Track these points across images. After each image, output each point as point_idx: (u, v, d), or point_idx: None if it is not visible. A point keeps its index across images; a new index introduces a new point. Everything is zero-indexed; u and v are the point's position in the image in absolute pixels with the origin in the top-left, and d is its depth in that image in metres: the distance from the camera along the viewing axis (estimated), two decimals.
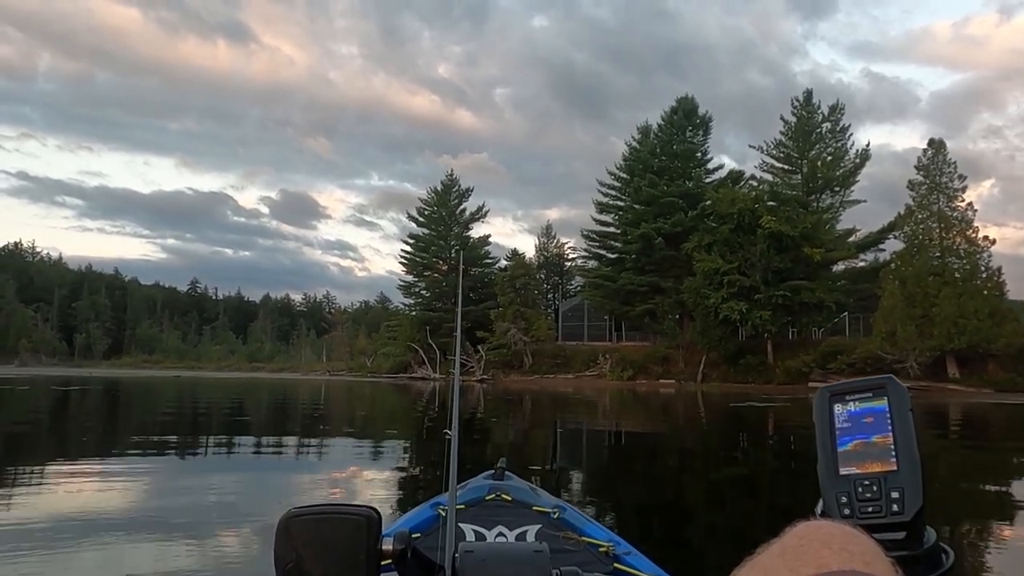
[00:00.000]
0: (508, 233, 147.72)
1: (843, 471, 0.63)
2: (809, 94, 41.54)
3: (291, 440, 10.31)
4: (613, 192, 45.75)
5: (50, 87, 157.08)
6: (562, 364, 42.97)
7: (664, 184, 41.76)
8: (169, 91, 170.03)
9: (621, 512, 5.27)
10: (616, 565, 1.73)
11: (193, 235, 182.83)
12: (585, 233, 47.60)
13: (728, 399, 23.19)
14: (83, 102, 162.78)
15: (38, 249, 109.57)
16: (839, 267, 39.58)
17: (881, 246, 39.48)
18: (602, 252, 47.10)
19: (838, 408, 0.66)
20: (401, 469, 7.41)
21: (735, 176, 43.69)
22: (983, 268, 31.35)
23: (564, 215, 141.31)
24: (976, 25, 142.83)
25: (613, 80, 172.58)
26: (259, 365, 76.99)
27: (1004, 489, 6.71)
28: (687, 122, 43.67)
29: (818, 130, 40.88)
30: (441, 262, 52.04)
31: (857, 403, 0.65)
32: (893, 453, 0.62)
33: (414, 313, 52.78)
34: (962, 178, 32.52)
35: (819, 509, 0.64)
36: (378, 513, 1.06)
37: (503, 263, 51.66)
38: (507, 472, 2.14)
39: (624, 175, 44.78)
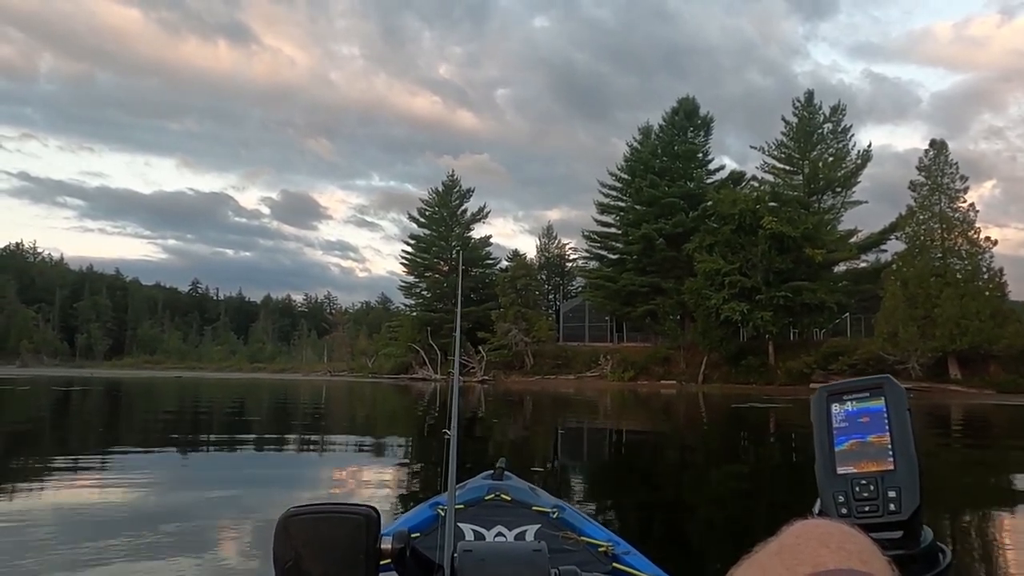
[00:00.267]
0: (509, 234, 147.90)
1: (840, 470, 0.64)
2: (810, 95, 41.56)
3: (292, 441, 10.32)
4: (614, 193, 45.76)
5: (51, 88, 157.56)
6: (563, 365, 42.97)
7: (665, 185, 41.75)
8: (170, 92, 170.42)
9: (621, 512, 5.27)
10: (615, 565, 1.73)
11: (194, 236, 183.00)
12: (586, 234, 47.68)
13: (729, 400, 23.18)
14: (84, 103, 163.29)
15: (39, 250, 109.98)
16: (840, 268, 39.56)
17: (883, 247, 39.51)
18: (603, 253, 47.10)
19: (836, 408, 0.66)
20: (401, 469, 7.41)
21: (736, 177, 43.69)
22: (985, 269, 31.31)
23: (565, 216, 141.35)
24: (977, 26, 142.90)
25: (614, 81, 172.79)
26: (260, 366, 77.05)
27: (1005, 491, 6.70)
28: (688, 123, 43.67)
29: (819, 131, 40.86)
30: (442, 263, 52.07)
31: (855, 403, 0.65)
32: (890, 453, 0.62)
33: (415, 314, 52.81)
34: (964, 179, 32.53)
35: (816, 508, 0.64)
36: (377, 512, 1.06)
37: (504, 264, 51.77)
38: (506, 472, 2.14)
39: (625, 176, 44.79)
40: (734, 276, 34.33)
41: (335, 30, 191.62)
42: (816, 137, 40.76)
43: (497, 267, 52.69)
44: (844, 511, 0.62)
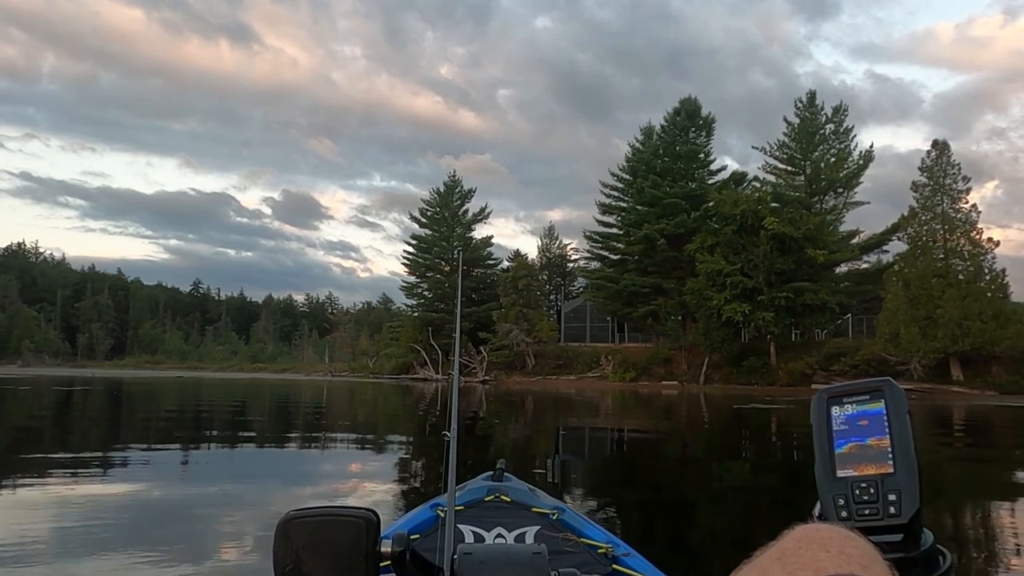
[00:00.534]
0: (511, 234, 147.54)
1: (840, 473, 0.63)
2: (812, 95, 41.50)
3: (292, 441, 10.33)
4: (616, 193, 45.73)
5: (54, 88, 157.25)
6: (564, 365, 42.95)
7: (667, 185, 41.72)
8: (172, 92, 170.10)
9: (622, 513, 5.26)
10: (615, 567, 1.73)
11: (196, 236, 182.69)
12: (588, 234, 47.62)
13: (731, 401, 23.17)
14: (86, 103, 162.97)
15: (41, 249, 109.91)
16: (842, 269, 39.50)
17: (884, 248, 39.42)
18: (605, 253, 47.06)
19: (835, 410, 0.66)
20: (401, 470, 7.41)
21: (738, 177, 43.64)
22: (987, 270, 31.24)
23: (567, 216, 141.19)
24: (980, 26, 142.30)
25: (616, 81, 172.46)
26: (261, 366, 77.08)
27: (1007, 493, 6.69)
28: (690, 123, 43.63)
29: (821, 131, 40.81)
30: (443, 263, 52.05)
31: (854, 405, 0.65)
32: (890, 456, 0.62)
33: (416, 314, 52.80)
34: (966, 180, 32.44)
35: (816, 511, 0.64)
36: (377, 515, 1.06)
37: (505, 264, 51.72)
38: (506, 473, 2.13)
39: (627, 176, 44.76)
40: (736, 277, 34.30)
41: (337, 30, 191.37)
42: (818, 138, 40.71)
43: (498, 267, 52.68)
44: (844, 514, 0.61)
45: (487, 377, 41.48)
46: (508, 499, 1.95)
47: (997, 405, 22.63)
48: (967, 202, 32.18)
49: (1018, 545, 4.37)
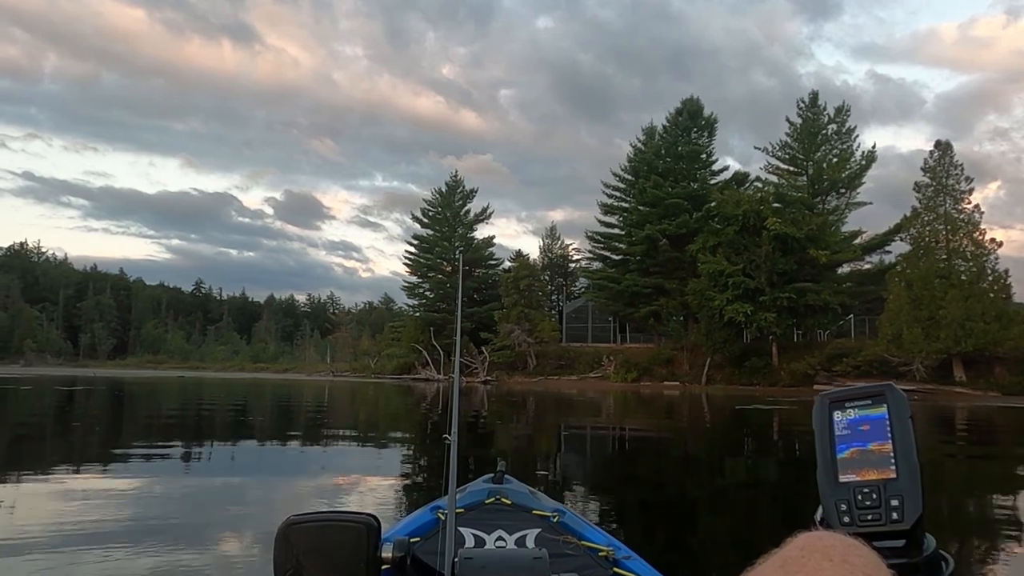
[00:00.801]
0: (512, 234, 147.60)
1: (842, 478, 0.63)
2: (815, 95, 41.46)
3: (294, 442, 10.33)
4: (618, 194, 45.72)
5: (56, 88, 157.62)
6: (566, 365, 42.93)
7: (669, 186, 41.70)
8: (174, 92, 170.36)
9: (623, 515, 5.25)
10: (615, 570, 1.72)
11: (198, 236, 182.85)
12: (589, 235, 47.59)
13: (733, 401, 23.14)
14: (89, 103, 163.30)
15: (43, 249, 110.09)
16: (844, 269, 39.43)
17: (887, 248, 39.32)
18: (606, 254, 47.05)
19: (837, 415, 0.66)
20: (402, 471, 7.40)
21: (740, 178, 43.59)
22: (990, 271, 31.17)
23: (568, 217, 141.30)
24: (982, 27, 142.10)
25: (618, 82, 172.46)
26: (263, 366, 77.15)
27: (1009, 494, 6.67)
28: (692, 124, 43.60)
29: (824, 132, 40.76)
30: (445, 263, 52.07)
31: (856, 410, 0.65)
32: (892, 461, 0.62)
33: (418, 314, 52.81)
34: (969, 180, 32.37)
35: (818, 516, 0.64)
36: (377, 521, 1.05)
37: (507, 264, 51.73)
38: (506, 476, 2.13)
39: (629, 177, 44.74)
40: (738, 277, 34.26)
41: (339, 30, 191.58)
42: (820, 138, 40.66)
43: (500, 268, 52.70)
44: (846, 519, 0.61)
45: (489, 377, 41.48)
46: (509, 502, 1.94)
47: (1000, 406, 22.58)
48: (970, 203, 32.13)
49: (1020, 544, 4.35)
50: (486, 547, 1.75)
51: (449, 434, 1.71)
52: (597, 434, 12.88)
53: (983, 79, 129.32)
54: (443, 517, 1.78)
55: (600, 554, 1.77)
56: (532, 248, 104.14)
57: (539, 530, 1.83)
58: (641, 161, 43.91)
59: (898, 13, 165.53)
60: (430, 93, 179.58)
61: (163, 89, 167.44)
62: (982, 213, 31.90)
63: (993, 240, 31.50)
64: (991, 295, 30.54)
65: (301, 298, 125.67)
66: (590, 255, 49.19)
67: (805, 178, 40.65)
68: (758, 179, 42.15)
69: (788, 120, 41.72)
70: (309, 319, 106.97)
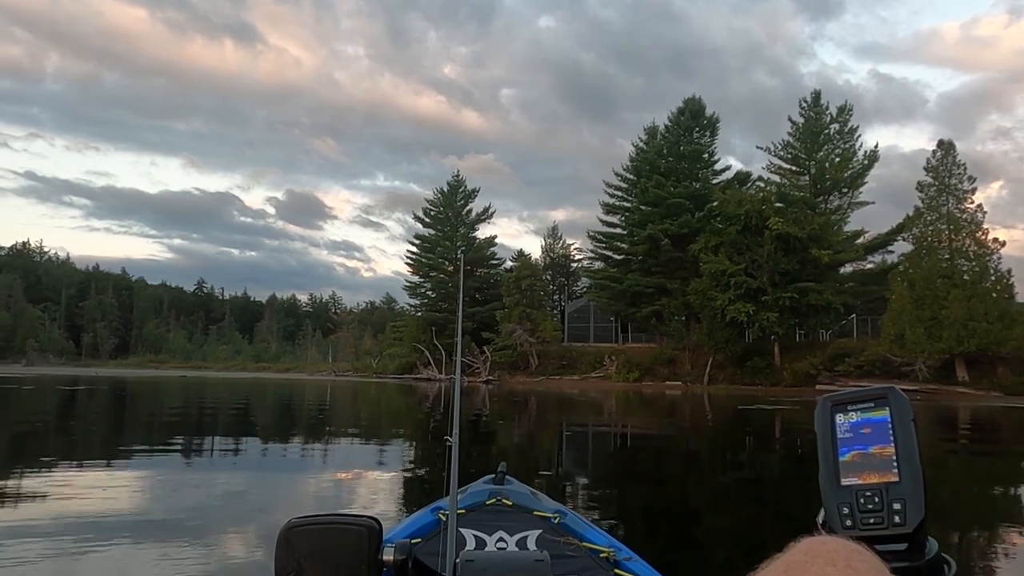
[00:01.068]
0: (514, 234, 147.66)
1: (845, 482, 0.63)
2: (817, 95, 41.38)
3: (295, 441, 10.34)
4: (620, 193, 45.70)
5: (58, 87, 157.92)
6: (568, 365, 42.92)
7: (671, 185, 41.66)
8: (176, 92, 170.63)
9: (625, 516, 5.25)
10: (617, 571, 1.72)
11: (200, 235, 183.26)
12: (591, 234, 47.56)
13: (735, 401, 23.12)
14: (91, 102, 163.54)
15: (46, 249, 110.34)
16: (847, 269, 39.37)
17: (889, 248, 39.24)
18: (608, 253, 47.02)
19: (840, 418, 0.66)
20: (403, 471, 7.40)
21: (742, 177, 43.55)
22: (992, 270, 31.09)
23: (570, 216, 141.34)
24: (985, 26, 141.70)
25: (620, 81, 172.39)
26: (265, 365, 77.23)
27: (1012, 496, 6.65)
28: (694, 123, 43.56)
29: (826, 131, 40.68)
30: (447, 263, 52.08)
31: (859, 413, 0.65)
32: (895, 464, 0.62)
33: (420, 314, 52.83)
34: (971, 180, 32.29)
35: (820, 519, 0.64)
36: (379, 523, 1.05)
37: (509, 264, 51.73)
38: (507, 476, 2.13)
39: (631, 176, 44.71)
40: (740, 277, 34.22)
41: (340, 30, 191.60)
42: (823, 137, 40.59)
43: (502, 267, 52.70)
44: (848, 523, 0.61)
45: (491, 377, 41.48)
46: (510, 503, 1.94)
47: (1003, 406, 22.54)
48: (972, 202, 32.06)
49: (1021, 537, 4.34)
50: (487, 548, 1.74)
51: (450, 435, 1.71)
52: (599, 434, 12.87)
53: (985, 79, 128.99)
54: (444, 518, 1.78)
55: (601, 555, 1.77)
56: (534, 248, 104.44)
57: (540, 531, 1.83)
58: (643, 161, 43.88)
59: (900, 12, 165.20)
60: (432, 93, 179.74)
61: (165, 89, 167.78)
62: (985, 213, 31.86)
63: (996, 240, 31.45)
64: (994, 295, 30.48)
65: (303, 298, 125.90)
66: (592, 255, 49.24)
67: (807, 178, 40.59)
68: (760, 179, 42.12)
69: (790, 120, 41.70)
70: (311, 319, 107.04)
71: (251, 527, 4.39)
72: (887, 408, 0.64)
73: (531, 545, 1.77)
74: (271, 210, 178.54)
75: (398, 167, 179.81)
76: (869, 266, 40.15)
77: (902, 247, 35.49)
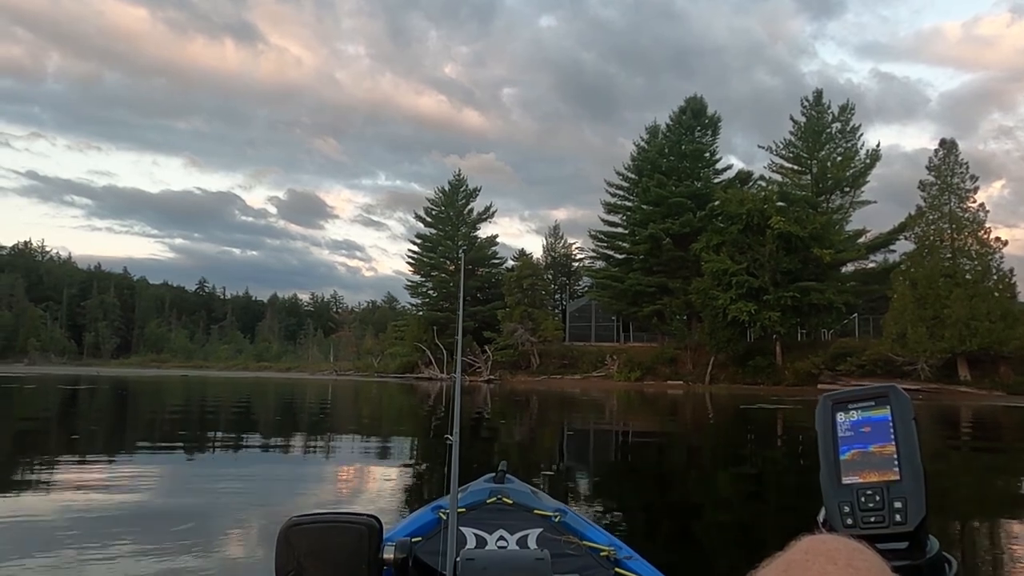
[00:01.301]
0: (515, 233, 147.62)
1: (845, 480, 0.63)
2: (819, 94, 41.33)
3: (296, 440, 10.34)
4: (621, 192, 45.67)
5: (59, 87, 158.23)
6: (569, 365, 42.91)
7: (672, 184, 41.63)
8: (177, 91, 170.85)
9: (626, 515, 5.24)
10: (617, 570, 1.72)
11: (201, 235, 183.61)
12: (593, 233, 47.52)
13: (737, 400, 23.10)
14: (92, 102, 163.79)
15: (47, 248, 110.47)
16: (849, 268, 39.35)
17: (891, 247, 39.17)
18: (610, 253, 47.00)
19: (840, 417, 0.66)
20: (403, 470, 7.40)
21: (744, 176, 43.50)
22: (995, 270, 31.06)
23: (572, 215, 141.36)
24: (986, 25, 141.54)
25: (621, 81, 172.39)
26: (266, 365, 77.28)
27: (1014, 496, 6.64)
28: (696, 122, 43.53)
29: (828, 130, 40.63)
30: (448, 262, 52.08)
31: (859, 412, 0.65)
32: (896, 462, 0.62)
33: (421, 313, 52.85)
34: (973, 179, 32.26)
35: (821, 518, 0.64)
36: (379, 522, 1.05)
37: (510, 263, 51.74)
38: (508, 475, 2.12)
39: (632, 175, 44.69)
40: (741, 276, 34.19)
41: (341, 30, 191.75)
42: (824, 137, 40.54)
43: (503, 267, 52.71)
44: (849, 521, 0.61)
45: (492, 376, 41.49)
46: (510, 501, 1.93)
47: (1005, 406, 22.50)
48: (974, 201, 32.03)
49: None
50: (487, 547, 1.74)
51: (451, 434, 1.71)
52: (600, 432, 12.86)
53: (987, 77, 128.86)
54: (444, 517, 1.78)
55: (602, 554, 1.76)
56: (535, 247, 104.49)
57: (541, 530, 1.82)
58: (644, 160, 43.84)
59: (902, 11, 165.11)
60: (433, 92, 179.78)
61: (166, 88, 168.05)
62: (987, 212, 31.84)
63: (998, 239, 31.42)
64: (996, 294, 30.44)
65: (304, 297, 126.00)
66: (593, 254, 49.20)
67: (809, 177, 40.55)
68: (762, 178, 42.05)
69: (792, 119, 41.66)
70: (312, 318, 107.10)
71: (251, 525, 4.39)
72: (888, 406, 0.64)
73: (532, 544, 1.77)
74: (272, 209, 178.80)
75: (399, 166, 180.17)
76: (871, 265, 40.12)
77: (904, 246, 35.49)
